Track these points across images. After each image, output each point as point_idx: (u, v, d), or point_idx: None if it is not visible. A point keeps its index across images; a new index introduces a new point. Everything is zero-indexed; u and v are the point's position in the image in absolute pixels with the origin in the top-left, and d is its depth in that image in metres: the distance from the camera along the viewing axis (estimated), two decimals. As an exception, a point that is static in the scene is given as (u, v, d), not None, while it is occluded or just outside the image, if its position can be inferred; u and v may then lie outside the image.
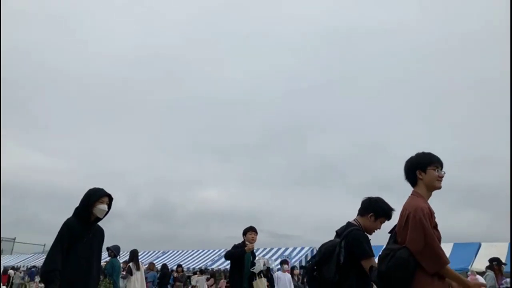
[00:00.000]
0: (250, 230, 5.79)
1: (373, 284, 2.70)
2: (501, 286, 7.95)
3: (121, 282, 8.61)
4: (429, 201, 2.57)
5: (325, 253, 3.07)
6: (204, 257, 20.01)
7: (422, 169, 2.58)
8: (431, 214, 2.45)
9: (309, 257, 16.68)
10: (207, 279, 14.84)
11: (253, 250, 5.79)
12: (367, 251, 2.95)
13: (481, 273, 8.88)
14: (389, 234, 2.66)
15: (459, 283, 2.48)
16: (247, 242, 5.68)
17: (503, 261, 8.77)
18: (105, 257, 7.86)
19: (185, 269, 16.36)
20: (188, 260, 20.16)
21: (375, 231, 3.19)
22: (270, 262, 6.15)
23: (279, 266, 10.57)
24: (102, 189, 3.71)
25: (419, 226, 2.34)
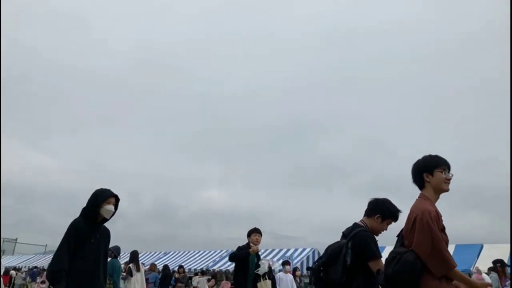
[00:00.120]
0: (254, 232, 5.78)
1: (380, 286, 2.70)
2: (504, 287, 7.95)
3: (121, 283, 8.60)
4: None
5: (332, 254, 3.08)
6: (206, 258, 20.00)
7: (429, 171, 2.58)
8: (438, 217, 2.45)
9: (311, 259, 16.68)
10: (208, 280, 14.83)
11: (257, 252, 5.79)
12: (375, 252, 2.95)
13: (484, 275, 8.84)
14: (397, 238, 2.66)
15: (467, 285, 2.48)
16: (251, 244, 5.68)
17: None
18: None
19: (186, 270, 16.33)
20: (190, 261, 20.13)
21: (382, 232, 3.20)
22: (275, 264, 6.16)
23: (281, 267, 10.57)
24: (109, 190, 3.72)
25: (426, 229, 2.34)
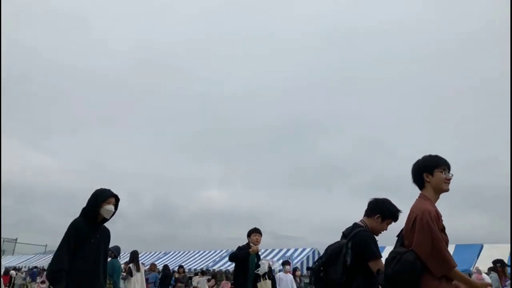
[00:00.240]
0: (254, 232, 5.78)
1: (380, 286, 2.70)
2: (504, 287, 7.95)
3: (121, 283, 8.60)
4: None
5: (332, 254, 3.08)
6: (206, 258, 20.01)
7: (429, 171, 2.58)
8: (438, 217, 2.45)
9: (311, 259, 16.68)
10: (208, 280, 14.83)
11: (257, 252, 5.79)
12: (375, 252, 2.95)
13: (483, 275, 8.84)
14: (397, 238, 2.66)
15: (467, 285, 2.48)
16: (251, 244, 5.68)
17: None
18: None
19: (186, 270, 16.34)
20: (190, 261, 20.14)
21: (382, 232, 3.20)
22: (275, 264, 6.16)
23: (281, 267, 10.57)
24: (109, 190, 3.72)
25: (426, 229, 2.34)
